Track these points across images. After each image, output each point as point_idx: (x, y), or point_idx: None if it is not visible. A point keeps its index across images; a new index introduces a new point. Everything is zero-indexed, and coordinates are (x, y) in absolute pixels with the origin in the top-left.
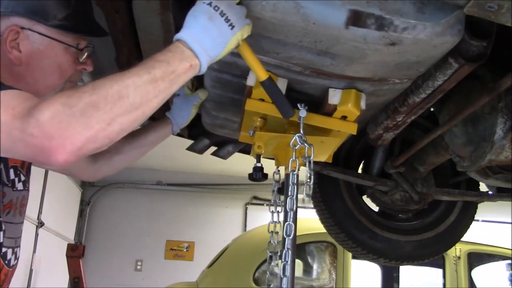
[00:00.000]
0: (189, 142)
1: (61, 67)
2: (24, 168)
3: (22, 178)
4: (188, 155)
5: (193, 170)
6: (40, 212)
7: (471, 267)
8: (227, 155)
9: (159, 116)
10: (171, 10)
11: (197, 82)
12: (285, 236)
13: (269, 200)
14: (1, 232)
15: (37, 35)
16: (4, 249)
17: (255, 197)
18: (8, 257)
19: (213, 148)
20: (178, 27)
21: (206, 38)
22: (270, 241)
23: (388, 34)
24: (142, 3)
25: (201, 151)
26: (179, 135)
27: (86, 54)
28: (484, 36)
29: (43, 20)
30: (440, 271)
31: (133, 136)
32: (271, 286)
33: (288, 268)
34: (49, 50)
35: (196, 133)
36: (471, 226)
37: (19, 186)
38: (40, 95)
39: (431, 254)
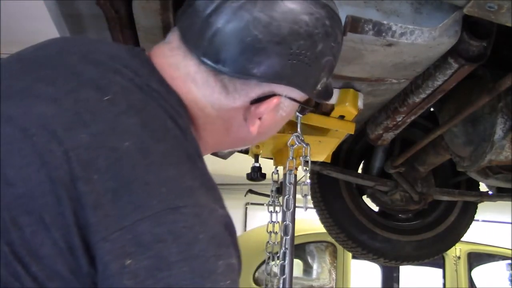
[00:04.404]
0: None
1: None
2: None
3: None
4: None
5: None
6: None
7: (471, 267)
8: (227, 155)
9: None
10: (171, 10)
11: None
12: (283, 236)
13: (266, 195)
14: None
15: (288, 101)
16: None
17: (250, 191)
18: None
19: None
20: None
21: None
22: (269, 241)
23: (386, 39)
24: (142, 3)
25: None
26: None
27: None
28: (484, 36)
29: (306, 89)
30: (440, 271)
31: None
32: (269, 286)
33: (286, 268)
34: (289, 114)
35: None
36: (471, 226)
37: None
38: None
39: (431, 254)
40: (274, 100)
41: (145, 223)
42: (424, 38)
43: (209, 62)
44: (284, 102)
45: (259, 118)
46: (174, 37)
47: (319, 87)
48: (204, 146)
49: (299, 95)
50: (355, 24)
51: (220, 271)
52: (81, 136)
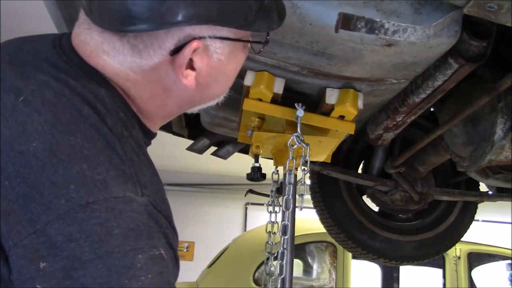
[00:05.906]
0: (189, 142)
1: (238, 69)
2: None
3: None
4: (188, 155)
5: (193, 170)
6: None
7: (471, 267)
8: (227, 155)
9: None
10: None
11: None
12: (281, 236)
13: (266, 195)
14: None
15: (219, 41)
16: None
17: (250, 191)
18: None
19: (213, 148)
20: None
21: None
22: (268, 241)
23: (379, 37)
24: None
25: (201, 151)
26: (178, 135)
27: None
28: (484, 36)
29: (231, 23)
30: (440, 271)
31: None
32: (268, 286)
33: (286, 268)
34: (234, 57)
35: (196, 133)
36: (471, 226)
37: None
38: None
39: (431, 254)
40: (193, 44)
41: (56, 224)
42: (417, 36)
43: (104, 25)
44: (214, 44)
45: (193, 69)
46: (81, 12)
47: (250, 17)
48: (150, 118)
49: (233, 33)
50: (347, 21)
51: (140, 265)
52: None
